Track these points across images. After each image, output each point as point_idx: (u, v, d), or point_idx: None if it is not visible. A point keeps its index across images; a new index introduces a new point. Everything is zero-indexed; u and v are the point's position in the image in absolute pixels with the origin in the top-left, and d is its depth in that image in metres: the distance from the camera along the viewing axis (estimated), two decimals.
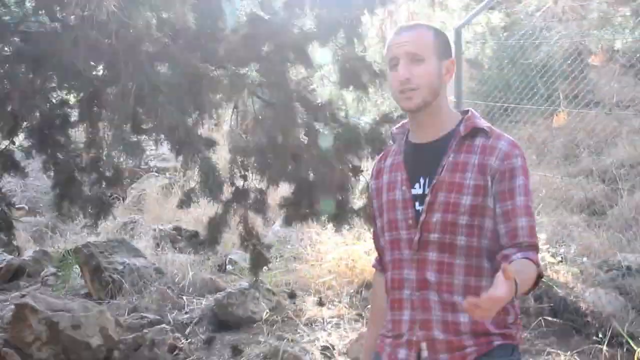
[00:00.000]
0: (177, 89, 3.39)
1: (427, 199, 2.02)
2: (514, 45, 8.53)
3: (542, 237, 5.77)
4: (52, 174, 5.55)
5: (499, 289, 1.68)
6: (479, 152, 2.02)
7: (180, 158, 4.59)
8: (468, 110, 2.15)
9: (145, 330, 5.20)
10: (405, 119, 2.25)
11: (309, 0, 4.26)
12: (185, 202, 4.71)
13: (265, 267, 5.17)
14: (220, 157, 5.94)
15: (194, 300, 6.29)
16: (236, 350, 5.20)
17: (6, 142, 5.44)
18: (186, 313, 5.99)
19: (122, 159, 4.71)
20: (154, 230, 8.09)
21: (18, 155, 6.06)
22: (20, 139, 5.67)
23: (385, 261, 2.20)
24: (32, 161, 6.74)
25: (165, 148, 9.01)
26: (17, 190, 10.03)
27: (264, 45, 4.57)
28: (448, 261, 2.00)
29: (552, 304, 5.42)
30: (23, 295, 6.11)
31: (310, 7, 4.35)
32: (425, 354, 2.01)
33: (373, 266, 2.39)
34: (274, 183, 5.06)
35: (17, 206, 9.53)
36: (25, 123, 5.40)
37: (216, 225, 4.80)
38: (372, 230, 2.37)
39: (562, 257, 6.01)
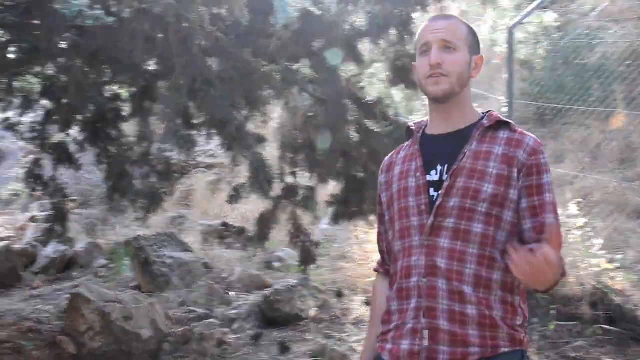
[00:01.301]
0: (229, 84, 3.39)
1: (446, 184, 1.97)
2: (568, 45, 8.36)
3: (597, 242, 5.64)
4: (104, 167, 5.64)
5: (550, 250, 1.72)
6: (504, 144, 1.99)
7: (230, 154, 4.62)
8: (490, 110, 2.13)
9: (193, 324, 5.25)
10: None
11: None
12: (235, 197, 4.71)
13: (313, 264, 5.14)
14: (268, 153, 5.96)
15: (241, 295, 6.33)
16: (284, 347, 5.21)
17: (61, 135, 5.55)
18: (233, 308, 6.02)
19: (172, 153, 4.74)
20: (202, 225, 8.16)
21: (72, 148, 6.21)
22: (74, 132, 5.79)
23: (393, 257, 2.11)
24: (84, 154, 6.89)
25: (213, 144, 9.13)
26: (69, 182, 10.21)
27: (315, 42, 4.56)
28: (460, 249, 1.94)
29: (608, 312, 5.29)
30: (76, 286, 6.24)
31: (363, 3, 4.32)
32: (425, 342, 1.93)
33: (375, 270, 2.29)
34: (324, 180, 5.05)
35: (69, 198, 9.75)
36: (79, 116, 5.51)
37: (266, 222, 4.81)
38: (377, 229, 2.27)
39: (618, 264, 5.85)
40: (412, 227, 2.02)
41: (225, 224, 8.34)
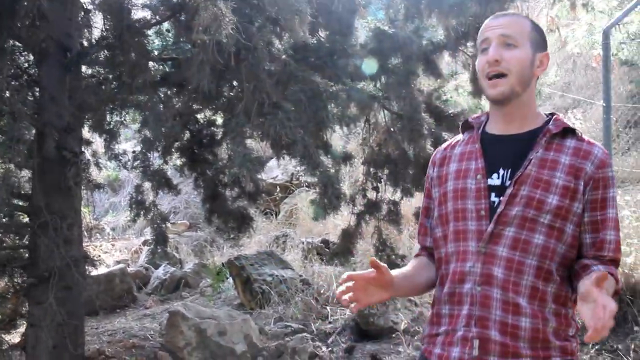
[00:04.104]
0: (297, 105, 3.53)
1: (509, 191, 1.89)
2: None
3: None
4: (201, 190, 5.93)
5: (610, 302, 1.61)
6: (571, 154, 1.91)
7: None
8: (554, 113, 2.04)
9: (287, 339, 5.40)
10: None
11: (426, 11, 4.28)
12: (321, 214, 4.84)
13: None
14: (353, 170, 6.12)
15: (338, 310, 6.44)
16: (375, 359, 5.27)
17: (159, 162, 5.88)
18: (329, 323, 6.15)
19: (261, 175, 4.93)
20: (303, 243, 8.35)
21: (174, 175, 6.56)
22: (173, 158, 6.13)
23: (444, 258, 2.03)
24: (191, 179, 7.24)
25: None
26: (180, 207, 10.73)
27: (391, 59, 4.65)
28: (519, 259, 1.87)
29: None
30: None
31: (428, 17, 4.38)
32: (475, 352, 1.88)
33: (416, 255, 2.19)
34: (408, 194, 5.10)
35: (180, 222, 10.24)
36: (177, 143, 5.83)
37: (349, 236, 4.91)
38: (420, 222, 2.19)
39: None
40: (469, 231, 1.95)
41: (325, 241, 8.50)
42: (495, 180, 1.94)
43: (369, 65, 4.31)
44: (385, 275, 1.90)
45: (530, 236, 1.88)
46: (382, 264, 1.89)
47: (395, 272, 1.98)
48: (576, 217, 1.90)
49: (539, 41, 1.99)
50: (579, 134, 1.97)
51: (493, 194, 1.93)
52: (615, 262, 1.90)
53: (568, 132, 1.96)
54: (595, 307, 1.62)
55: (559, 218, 1.88)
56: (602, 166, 1.90)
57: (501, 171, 1.94)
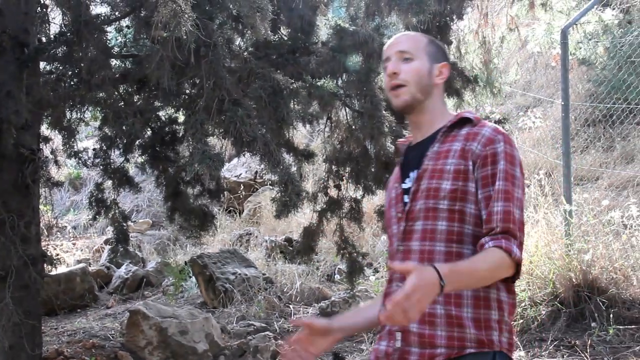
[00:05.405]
0: (257, 102, 3.53)
1: (412, 188, 2.04)
2: (631, 42, 8.13)
3: None
4: (163, 188, 5.87)
5: (400, 290, 1.66)
6: (463, 139, 2.02)
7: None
8: (467, 111, 2.16)
9: (249, 337, 5.39)
10: None
11: (386, 8, 4.30)
12: (283, 211, 4.83)
13: (360, 275, 5.21)
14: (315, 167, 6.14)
15: (301, 308, 6.45)
16: (338, 358, 5.29)
17: (121, 159, 5.81)
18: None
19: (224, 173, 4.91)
20: (267, 241, 8.33)
21: (137, 173, 6.48)
22: (135, 156, 6.06)
23: None
24: (153, 177, 7.18)
25: None
26: (143, 205, 10.64)
27: (352, 56, 4.67)
28: (429, 249, 1.98)
29: None
30: None
31: (388, 15, 4.40)
32: (398, 344, 1.99)
33: None
34: (369, 192, 5.12)
35: (142, 220, 10.15)
36: (138, 141, 5.77)
37: (311, 235, 4.91)
38: None
39: None
40: (393, 235, 2.10)
41: (289, 239, 8.49)
42: (407, 184, 2.10)
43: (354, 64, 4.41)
44: (315, 327, 2.11)
45: (435, 224, 1.99)
46: (304, 320, 2.17)
47: (346, 314, 2.30)
48: (474, 197, 1.98)
49: (436, 53, 2.12)
50: (477, 121, 2.07)
51: (406, 196, 2.08)
52: (506, 232, 1.92)
53: (466, 122, 2.08)
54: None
55: (457, 200, 1.98)
56: (489, 143, 1.98)
57: (411, 174, 2.09)
